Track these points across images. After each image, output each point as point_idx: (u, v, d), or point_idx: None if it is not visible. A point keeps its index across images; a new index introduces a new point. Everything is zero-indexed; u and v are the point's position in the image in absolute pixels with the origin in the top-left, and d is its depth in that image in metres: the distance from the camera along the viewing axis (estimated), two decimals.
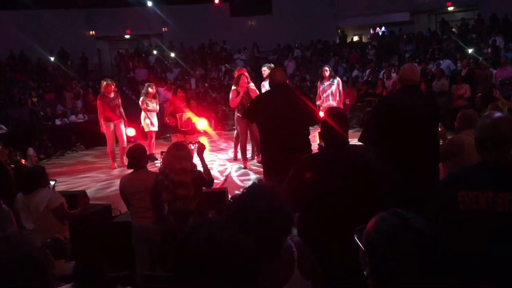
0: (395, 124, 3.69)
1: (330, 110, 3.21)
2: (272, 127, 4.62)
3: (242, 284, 1.24)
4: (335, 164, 2.86)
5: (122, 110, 8.95)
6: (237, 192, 2.02)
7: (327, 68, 8.80)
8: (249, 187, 1.94)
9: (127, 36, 23.04)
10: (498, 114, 2.21)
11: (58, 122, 14.06)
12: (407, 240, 1.29)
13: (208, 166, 4.45)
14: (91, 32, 21.87)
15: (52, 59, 19.24)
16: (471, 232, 2.02)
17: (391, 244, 1.30)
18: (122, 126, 8.94)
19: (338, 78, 8.96)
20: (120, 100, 8.97)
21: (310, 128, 4.79)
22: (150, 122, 8.99)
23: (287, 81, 5.08)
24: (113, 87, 8.92)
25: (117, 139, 9.06)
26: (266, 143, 4.78)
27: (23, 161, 8.46)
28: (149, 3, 20.32)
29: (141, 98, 9.15)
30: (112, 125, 8.81)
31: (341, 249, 2.67)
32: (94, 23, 21.72)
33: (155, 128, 9.16)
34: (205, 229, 1.26)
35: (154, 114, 9.12)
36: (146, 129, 9.11)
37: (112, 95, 8.78)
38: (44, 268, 2.20)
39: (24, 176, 4.46)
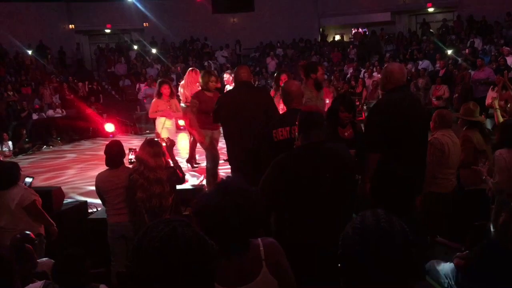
0: (393, 127, 3.67)
1: (306, 109, 3.19)
2: (235, 124, 4.63)
3: (199, 285, 1.22)
4: (312, 162, 2.83)
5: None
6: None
7: None
8: (218, 183, 1.97)
9: (108, 31, 22.73)
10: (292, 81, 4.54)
11: (35, 116, 13.82)
12: (373, 241, 1.26)
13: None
14: (70, 25, 21.53)
15: (30, 52, 18.91)
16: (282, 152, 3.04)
17: (360, 242, 1.28)
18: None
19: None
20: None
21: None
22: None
23: (252, 80, 5.06)
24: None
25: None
26: (230, 141, 4.79)
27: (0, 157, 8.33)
28: None
29: (153, 100, 7.50)
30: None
31: (318, 249, 2.69)
32: (73, 16, 21.40)
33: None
34: (165, 228, 1.23)
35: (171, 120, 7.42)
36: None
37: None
38: (11, 266, 2.18)
39: None
